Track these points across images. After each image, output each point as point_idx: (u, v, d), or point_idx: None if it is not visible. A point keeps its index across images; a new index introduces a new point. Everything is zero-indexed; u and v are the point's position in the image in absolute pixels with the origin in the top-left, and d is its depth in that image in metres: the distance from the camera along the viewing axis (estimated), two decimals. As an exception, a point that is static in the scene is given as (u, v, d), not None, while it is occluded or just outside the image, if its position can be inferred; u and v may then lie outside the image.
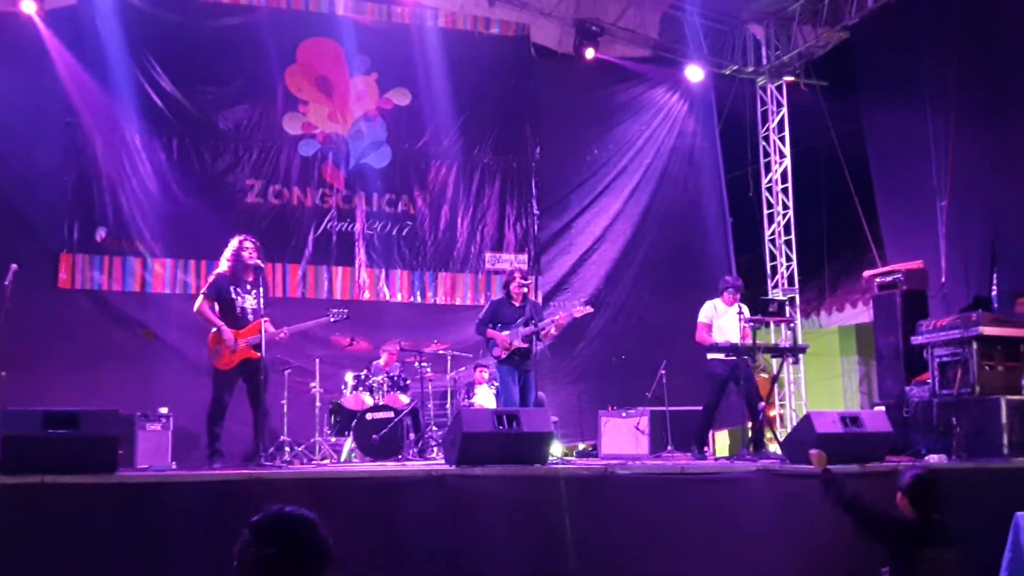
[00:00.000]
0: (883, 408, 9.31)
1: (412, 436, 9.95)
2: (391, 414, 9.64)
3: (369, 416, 9.65)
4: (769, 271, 14.61)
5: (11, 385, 6.12)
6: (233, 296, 7.87)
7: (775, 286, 14.46)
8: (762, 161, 14.80)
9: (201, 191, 11.92)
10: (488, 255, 13.11)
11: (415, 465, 8.15)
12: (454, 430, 7.02)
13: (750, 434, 9.73)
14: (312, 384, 10.19)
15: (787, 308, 11.40)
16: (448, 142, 13.07)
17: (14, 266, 7.90)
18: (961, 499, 6.72)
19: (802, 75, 14.43)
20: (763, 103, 14.83)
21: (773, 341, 13.36)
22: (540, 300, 12.57)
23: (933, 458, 8.01)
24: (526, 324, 8.95)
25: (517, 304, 9.16)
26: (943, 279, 11.05)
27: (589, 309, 9.79)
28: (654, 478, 6.93)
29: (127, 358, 11.21)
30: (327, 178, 12.55)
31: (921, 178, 11.48)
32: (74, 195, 11.47)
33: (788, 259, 14.47)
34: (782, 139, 14.65)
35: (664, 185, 14.11)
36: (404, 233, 12.77)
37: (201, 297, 7.97)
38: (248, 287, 7.92)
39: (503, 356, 9.01)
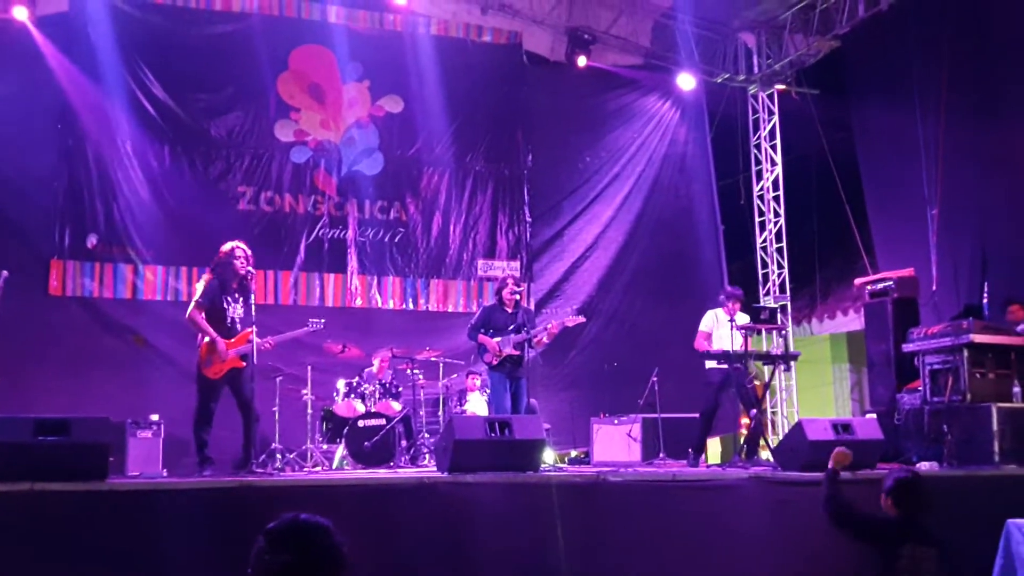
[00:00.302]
0: (874, 415, 9.31)
1: (404, 443, 9.93)
2: (383, 421, 9.62)
3: (361, 423, 9.64)
4: (760, 278, 14.64)
5: (2, 391, 6.11)
6: (224, 305, 7.82)
7: (767, 293, 14.50)
8: (753, 169, 14.84)
9: (193, 198, 11.89)
10: (480, 262, 13.11)
11: (407, 472, 8.15)
12: (446, 437, 7.02)
13: (742, 441, 9.75)
14: (304, 391, 10.17)
15: (779, 315, 11.42)
16: (440, 149, 13.07)
17: (5, 273, 7.90)
18: (952, 506, 6.74)
19: (793, 83, 14.47)
20: (754, 111, 14.88)
21: (765, 348, 13.37)
22: (532, 307, 12.56)
23: (924, 465, 8.02)
24: (518, 331, 8.94)
25: (510, 311, 9.15)
26: (934, 287, 11.08)
27: (582, 319, 9.79)
28: (646, 485, 6.93)
29: (118, 365, 11.18)
30: (319, 185, 12.54)
31: (912, 186, 11.52)
32: (65, 202, 11.44)
33: (779, 267, 14.50)
34: (773, 147, 14.69)
35: (656, 192, 14.13)
36: (396, 240, 12.76)
37: (194, 305, 7.90)
38: (237, 296, 7.89)
39: (494, 363, 9.00)
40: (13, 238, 11.09)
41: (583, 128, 13.97)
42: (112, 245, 11.55)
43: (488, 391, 9.80)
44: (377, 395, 10.18)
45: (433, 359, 10.66)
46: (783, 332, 12.95)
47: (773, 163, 14.67)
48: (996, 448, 8.25)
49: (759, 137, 14.81)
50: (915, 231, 11.48)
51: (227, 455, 8.26)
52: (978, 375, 8.76)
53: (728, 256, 14.37)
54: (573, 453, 12.15)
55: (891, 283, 10.49)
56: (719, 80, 14.60)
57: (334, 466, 9.77)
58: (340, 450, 9.81)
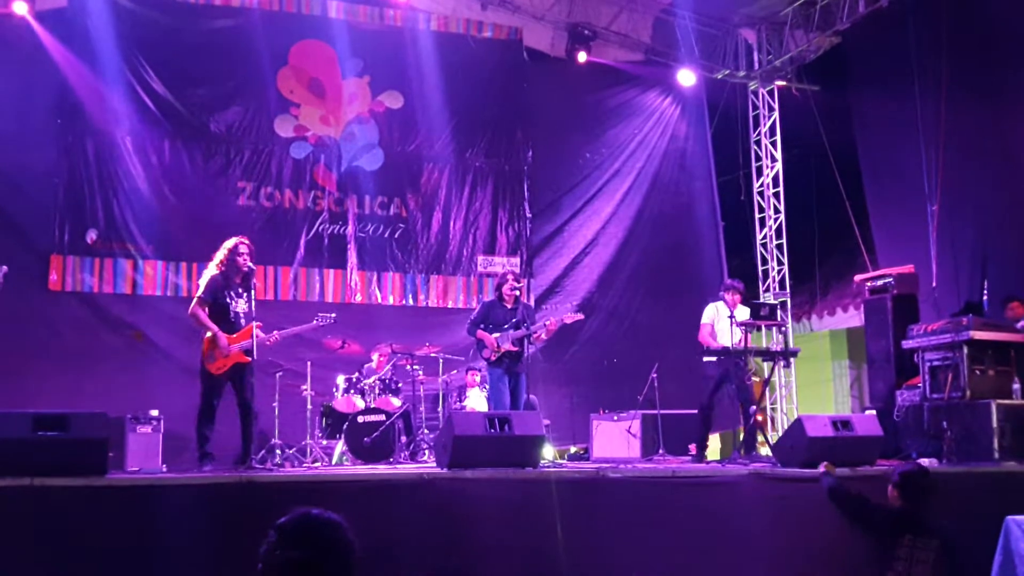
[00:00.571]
0: (874, 412, 9.31)
1: (404, 439, 9.92)
2: (383, 417, 9.62)
3: (361, 419, 9.63)
4: (760, 275, 14.64)
5: (1, 386, 6.11)
6: (227, 300, 7.78)
7: (766, 290, 14.50)
8: (754, 165, 14.83)
9: (192, 193, 11.91)
10: (480, 258, 13.11)
11: (407, 468, 8.14)
12: (446, 433, 7.01)
13: (742, 437, 9.75)
14: (303, 387, 10.17)
15: (778, 312, 11.40)
16: (440, 145, 13.06)
17: (4, 268, 7.90)
18: (951, 503, 6.73)
19: (794, 79, 14.47)
20: (755, 107, 14.87)
21: (764, 345, 13.38)
22: (532, 303, 12.56)
23: (924, 462, 8.01)
24: (517, 327, 8.93)
25: (509, 307, 9.14)
26: (934, 283, 11.08)
27: (580, 316, 9.80)
28: (645, 481, 6.92)
29: (117, 360, 11.19)
30: (319, 180, 12.54)
31: (912, 182, 11.51)
32: (65, 197, 11.44)
33: (779, 263, 14.50)
34: (774, 143, 14.69)
35: (656, 189, 14.13)
36: (396, 236, 12.76)
37: (196, 301, 7.87)
38: (240, 291, 7.88)
39: (492, 358, 9.00)
40: (13, 233, 11.10)
41: (583, 124, 13.96)
42: (112, 240, 11.55)
43: (487, 387, 9.79)
44: (377, 391, 10.18)
45: (433, 355, 10.66)
46: (783, 328, 12.93)
47: (773, 159, 14.66)
48: (996, 445, 8.24)
49: (759, 133, 14.81)
50: (915, 227, 11.48)
51: (227, 451, 8.25)
52: (978, 372, 8.76)
53: (728, 252, 14.37)
54: (573, 449, 12.15)
55: (891, 279, 10.49)
56: (719, 76, 14.60)
57: (334, 462, 9.76)
58: (340, 446, 9.80)
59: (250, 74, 12.27)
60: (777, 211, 14.60)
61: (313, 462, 9.60)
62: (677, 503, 6.71)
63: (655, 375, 10.37)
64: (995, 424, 8.29)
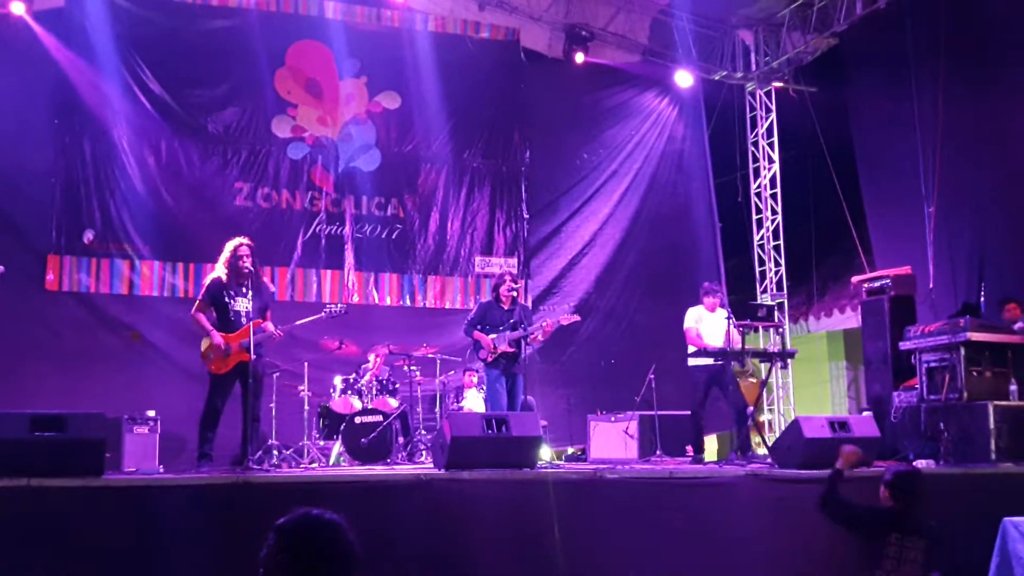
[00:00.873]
0: (871, 413, 9.32)
1: (401, 440, 9.93)
2: (380, 418, 9.61)
3: (358, 420, 9.62)
4: (758, 276, 14.65)
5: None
6: (227, 300, 7.86)
7: (763, 291, 14.51)
8: (751, 166, 14.84)
9: (189, 194, 11.89)
10: (478, 259, 13.10)
11: (404, 469, 8.14)
12: (443, 434, 7.01)
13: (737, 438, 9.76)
14: (300, 387, 10.16)
15: (775, 313, 11.43)
16: (438, 146, 13.05)
17: (1, 268, 7.88)
18: (948, 505, 6.74)
19: (791, 81, 14.47)
20: (752, 108, 14.88)
21: (762, 346, 13.39)
22: (530, 304, 12.56)
23: (921, 463, 8.03)
24: (514, 328, 8.94)
25: (506, 307, 9.14)
26: (931, 285, 11.09)
27: (576, 318, 9.82)
28: (643, 482, 6.93)
29: (114, 361, 11.18)
30: (316, 181, 12.53)
31: (909, 183, 11.53)
32: (62, 197, 11.41)
33: (776, 264, 14.51)
34: (771, 144, 14.69)
35: (653, 190, 14.13)
36: (394, 236, 12.75)
37: (196, 304, 7.97)
38: (243, 290, 7.92)
39: (489, 359, 9.00)
40: (9, 233, 11.09)
41: (581, 125, 13.96)
42: (108, 240, 11.53)
43: (485, 388, 9.79)
44: (374, 392, 10.17)
45: (430, 356, 10.65)
46: (780, 329, 12.97)
47: (770, 160, 14.67)
48: (993, 446, 8.26)
49: (756, 134, 14.82)
50: (912, 229, 11.50)
51: (225, 451, 8.26)
52: (975, 373, 8.77)
53: (725, 253, 14.37)
54: (570, 450, 12.13)
55: (888, 281, 10.50)
56: (717, 77, 14.60)
57: (331, 463, 9.75)
58: (337, 446, 9.79)
59: (247, 75, 12.25)
60: (774, 212, 14.60)
61: (310, 463, 9.58)
62: (674, 504, 6.72)
63: (652, 376, 10.36)
64: (992, 425, 8.31)
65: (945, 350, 8.92)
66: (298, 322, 8.43)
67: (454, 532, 6.15)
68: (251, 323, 7.73)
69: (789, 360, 11.25)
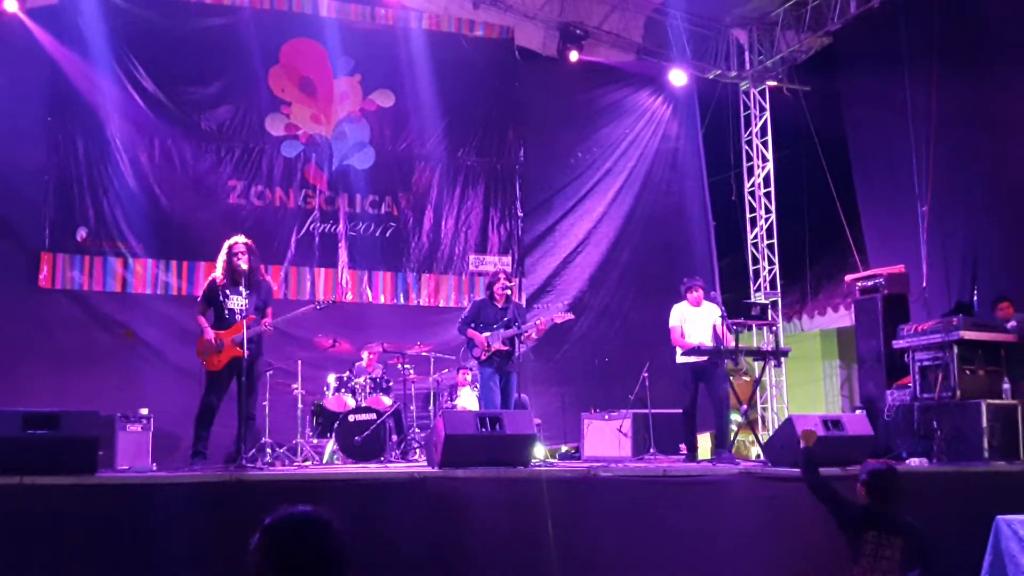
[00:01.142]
0: (864, 412, 9.35)
1: (395, 438, 9.92)
2: (373, 416, 9.60)
3: (351, 418, 9.61)
4: (751, 275, 14.66)
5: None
6: (221, 299, 7.99)
7: (757, 290, 14.52)
8: (745, 165, 14.85)
9: (183, 192, 11.87)
10: (472, 257, 13.09)
11: (397, 467, 8.13)
12: (437, 432, 7.01)
13: (731, 436, 9.77)
14: (294, 385, 10.15)
15: (769, 311, 11.44)
16: (432, 144, 13.04)
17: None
18: (941, 503, 6.76)
19: (785, 80, 14.48)
20: (746, 107, 14.89)
21: (755, 344, 13.40)
22: (524, 302, 12.56)
23: (914, 461, 8.05)
24: (508, 326, 8.93)
25: (500, 306, 9.14)
26: (924, 283, 11.11)
27: (570, 316, 9.79)
28: (636, 480, 6.94)
29: (107, 359, 11.16)
30: (310, 179, 12.51)
31: (903, 183, 11.54)
32: (55, 194, 11.39)
33: (770, 263, 14.52)
34: (765, 143, 14.70)
35: (647, 188, 14.13)
36: (387, 234, 12.74)
37: (198, 306, 8.14)
38: (239, 288, 7.97)
39: (483, 357, 9.00)
40: (2, 231, 11.10)
41: (575, 123, 13.96)
42: (102, 238, 11.51)
43: (478, 386, 9.79)
44: (368, 390, 10.15)
45: (424, 354, 10.65)
46: (773, 328, 12.97)
47: (764, 159, 14.68)
48: (985, 444, 8.28)
49: (751, 133, 14.83)
50: (906, 228, 11.51)
51: (219, 449, 8.25)
52: (968, 372, 8.79)
53: (719, 252, 14.39)
54: (564, 448, 12.14)
55: (882, 280, 10.52)
56: (711, 76, 14.61)
57: (324, 460, 9.75)
58: (330, 444, 9.78)
59: (241, 72, 12.23)
60: (768, 211, 14.61)
61: (304, 461, 9.57)
62: (668, 502, 6.73)
63: (646, 374, 10.37)
64: (985, 424, 8.33)
65: (938, 349, 8.94)
66: (286, 316, 8.42)
67: (448, 530, 6.15)
68: (244, 320, 7.76)
69: (783, 359, 11.26)
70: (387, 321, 12.19)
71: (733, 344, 9.01)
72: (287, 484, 6.39)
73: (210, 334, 7.81)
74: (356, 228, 12.60)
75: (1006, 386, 8.75)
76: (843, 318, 14.41)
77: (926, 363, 9.08)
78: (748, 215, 14.79)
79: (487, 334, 8.93)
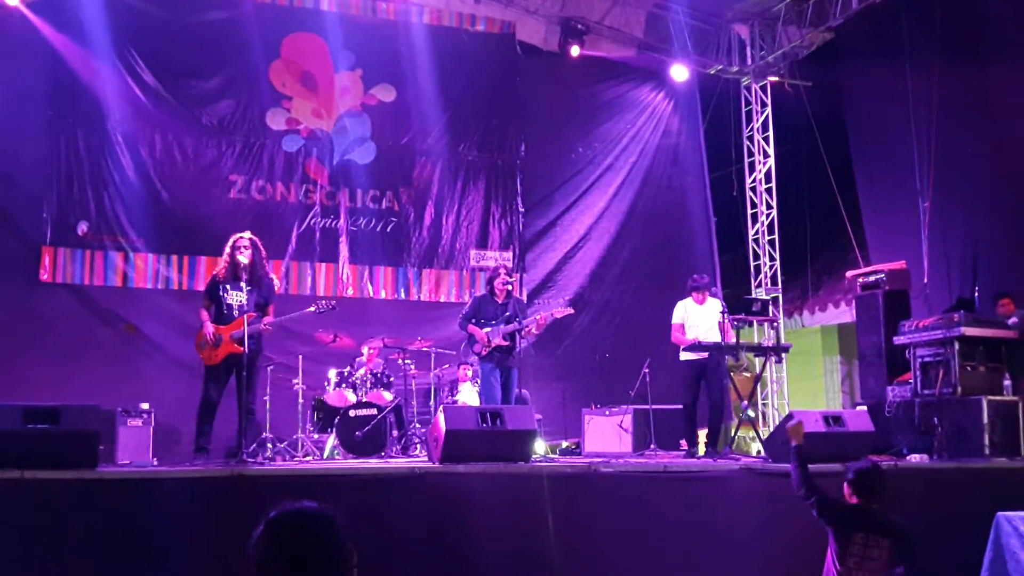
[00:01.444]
0: (865, 408, 9.34)
1: (395, 433, 9.92)
2: (374, 411, 9.59)
3: (352, 413, 9.61)
4: (752, 270, 14.66)
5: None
6: (222, 294, 8.00)
7: (758, 285, 14.51)
8: (746, 161, 14.84)
9: (183, 186, 11.86)
10: (473, 252, 13.09)
11: (398, 462, 8.14)
12: (437, 427, 7.00)
13: (733, 432, 9.77)
14: (295, 380, 10.15)
15: (770, 307, 11.41)
16: (433, 139, 13.03)
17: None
18: (942, 499, 6.76)
19: (786, 75, 14.48)
20: (747, 103, 14.88)
21: (756, 340, 13.41)
22: (525, 298, 12.55)
23: (915, 458, 8.04)
24: (508, 322, 8.92)
25: (500, 301, 9.12)
26: (925, 280, 11.11)
27: (570, 310, 9.76)
28: (637, 476, 6.93)
29: (108, 353, 11.16)
30: (311, 174, 12.50)
31: (904, 179, 11.54)
32: (56, 189, 11.37)
33: (771, 258, 14.52)
34: (766, 139, 14.69)
35: (649, 184, 14.13)
36: (388, 230, 12.73)
37: (202, 299, 8.19)
38: (239, 284, 7.98)
39: (483, 353, 8.99)
40: (3, 225, 11.08)
41: (576, 119, 13.95)
42: (103, 233, 11.50)
43: (479, 381, 9.78)
44: (368, 385, 10.16)
45: (425, 349, 10.64)
46: (774, 324, 12.97)
47: (766, 155, 14.67)
48: (986, 441, 8.28)
49: (752, 129, 14.81)
50: (907, 224, 11.51)
51: (220, 444, 8.26)
52: (969, 368, 8.79)
53: (720, 248, 14.39)
54: (564, 444, 12.14)
55: (883, 276, 10.52)
56: (712, 71, 14.61)
57: (325, 456, 9.75)
58: (331, 440, 9.79)
59: (242, 67, 12.22)
60: (769, 207, 14.60)
61: (305, 456, 9.57)
62: (668, 498, 6.73)
63: (647, 370, 10.37)
64: (986, 420, 8.33)
65: (939, 345, 8.94)
66: (283, 318, 8.38)
67: (448, 525, 6.15)
68: (244, 316, 7.76)
69: (783, 354, 11.25)
70: (388, 316, 12.19)
71: (734, 340, 9.00)
72: (288, 479, 6.38)
73: (209, 328, 7.83)
74: (357, 223, 12.59)
75: (1007, 382, 8.75)
76: (844, 314, 14.42)
77: (927, 359, 9.08)
78: (749, 211, 14.78)
79: (487, 329, 8.92)
